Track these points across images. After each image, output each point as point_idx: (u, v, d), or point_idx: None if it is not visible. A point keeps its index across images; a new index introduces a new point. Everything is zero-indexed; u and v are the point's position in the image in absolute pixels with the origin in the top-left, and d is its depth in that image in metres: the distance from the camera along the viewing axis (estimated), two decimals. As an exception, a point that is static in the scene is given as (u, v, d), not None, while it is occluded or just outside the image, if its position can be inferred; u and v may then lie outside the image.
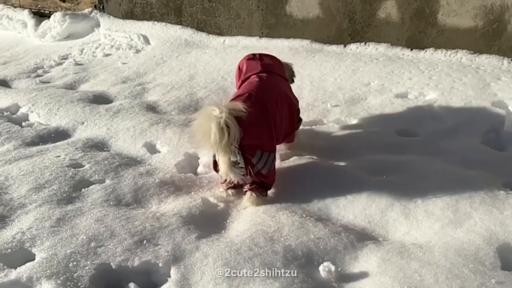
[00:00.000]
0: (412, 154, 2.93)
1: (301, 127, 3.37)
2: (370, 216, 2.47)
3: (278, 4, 4.57)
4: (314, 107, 3.65)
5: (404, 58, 4.01)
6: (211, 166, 2.73)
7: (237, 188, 2.72)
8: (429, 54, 3.96)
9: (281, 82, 3.00)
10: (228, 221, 2.56)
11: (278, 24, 4.64)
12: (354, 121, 3.40)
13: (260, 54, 3.08)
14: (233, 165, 2.55)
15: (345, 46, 4.32)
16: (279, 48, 4.61)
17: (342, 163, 2.93)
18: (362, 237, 2.33)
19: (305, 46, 4.50)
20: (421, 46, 3.99)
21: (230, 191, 2.74)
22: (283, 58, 4.38)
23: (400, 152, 2.98)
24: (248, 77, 2.92)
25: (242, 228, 2.45)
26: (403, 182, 2.65)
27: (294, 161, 2.95)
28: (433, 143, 3.02)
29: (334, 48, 4.36)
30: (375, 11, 4.10)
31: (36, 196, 2.70)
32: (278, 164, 2.91)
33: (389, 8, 4.02)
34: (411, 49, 4.03)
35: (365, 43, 4.22)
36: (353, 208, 2.53)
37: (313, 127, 3.39)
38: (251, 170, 2.54)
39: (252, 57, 3.03)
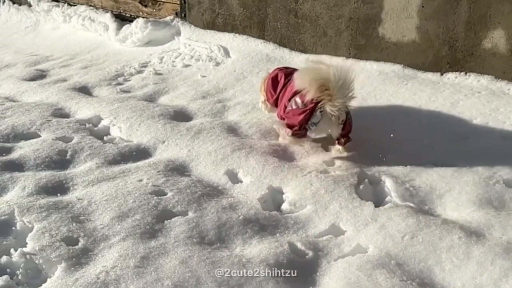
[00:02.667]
0: (526, 212, 2.61)
1: (394, 166, 3.14)
2: (481, 286, 2.20)
3: (370, 25, 4.31)
4: (408, 143, 3.37)
5: (510, 94, 3.64)
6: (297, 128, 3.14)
7: (302, 137, 3.24)
8: (539, 91, 3.58)
9: None
10: (318, 274, 2.36)
11: (368, 45, 4.38)
12: (454, 164, 3.09)
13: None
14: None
15: (442, 74, 4.00)
16: (367, 71, 4.34)
17: (444, 216, 2.66)
18: (474, 313, 2.08)
19: (396, 71, 4.21)
20: (531, 82, 3.61)
21: (295, 138, 3.25)
22: (372, 82, 4.15)
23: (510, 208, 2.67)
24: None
25: (335, 286, 2.25)
26: (518, 248, 2.35)
27: (388, 208, 2.71)
28: (550, 201, 2.68)
29: (430, 75, 4.05)
30: (480, 40, 3.76)
31: (119, 226, 2.62)
32: (371, 210, 2.69)
33: (497, 38, 3.67)
34: (519, 84, 3.66)
35: (466, 73, 3.89)
36: (461, 275, 2.26)
37: (408, 166, 3.11)
38: (348, 123, 3.16)
39: (282, 68, 3.69)
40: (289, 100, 3.26)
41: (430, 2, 3.93)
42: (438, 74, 4.01)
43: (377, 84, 4.09)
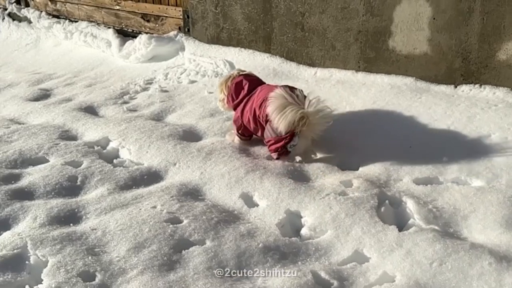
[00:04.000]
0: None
1: (414, 186, 3.06)
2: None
3: (379, 37, 4.24)
4: (427, 161, 3.29)
5: (528, 106, 3.57)
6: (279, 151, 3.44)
7: (285, 155, 3.49)
8: (558, 103, 3.51)
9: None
10: (345, 306, 2.28)
11: (378, 58, 4.31)
12: (477, 183, 3.02)
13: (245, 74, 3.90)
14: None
15: (455, 86, 3.93)
16: (378, 84, 4.27)
17: (471, 239, 2.58)
18: None
19: (408, 84, 4.14)
20: (548, 94, 3.54)
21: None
22: (384, 97, 4.08)
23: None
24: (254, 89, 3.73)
25: (364, 318, 2.17)
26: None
27: (413, 232, 2.63)
28: None
29: (443, 88, 3.97)
30: (495, 52, 3.69)
31: (136, 258, 2.53)
32: (395, 235, 2.61)
33: (512, 49, 3.60)
34: (536, 96, 3.59)
35: (480, 85, 3.82)
36: (494, 303, 2.19)
37: (428, 186, 3.03)
38: None
39: (245, 75, 3.89)
40: (254, 117, 3.58)
41: (441, 14, 3.86)
42: (452, 86, 3.94)
43: (389, 99, 4.02)
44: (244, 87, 3.78)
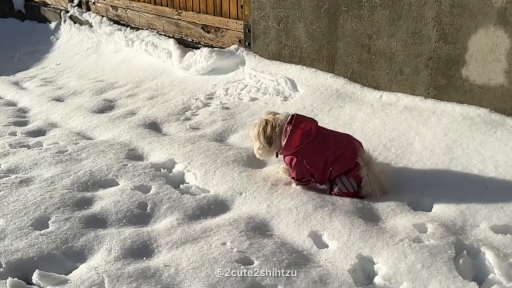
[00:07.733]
0: None
1: (492, 234, 2.94)
2: None
3: (452, 65, 4.09)
4: (504, 205, 3.16)
5: None
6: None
7: None
8: None
9: None
10: None
11: (450, 86, 4.16)
12: (560, 235, 2.88)
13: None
14: None
15: (534, 122, 3.76)
16: (449, 114, 4.13)
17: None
18: None
19: (482, 115, 3.98)
20: None
21: None
22: (457, 128, 3.94)
23: None
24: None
25: None
26: None
27: (495, 290, 2.53)
28: None
29: (519, 123, 3.80)
30: None
31: (211, 304, 2.56)
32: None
33: None
34: None
35: (561, 123, 3.63)
36: None
37: (508, 235, 2.91)
38: None
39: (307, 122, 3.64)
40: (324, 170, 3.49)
41: (521, 46, 3.69)
42: (530, 122, 3.77)
43: (462, 131, 3.88)
44: (311, 135, 3.50)
